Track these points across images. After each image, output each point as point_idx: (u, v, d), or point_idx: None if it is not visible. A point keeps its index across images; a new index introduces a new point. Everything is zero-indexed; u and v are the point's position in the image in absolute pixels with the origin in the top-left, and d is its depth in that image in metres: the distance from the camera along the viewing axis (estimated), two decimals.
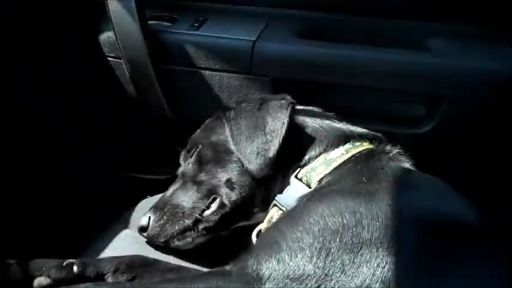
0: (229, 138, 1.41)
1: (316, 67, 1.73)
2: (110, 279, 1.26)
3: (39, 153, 1.77)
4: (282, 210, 1.29)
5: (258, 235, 1.31)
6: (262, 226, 1.32)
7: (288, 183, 1.35)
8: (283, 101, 1.41)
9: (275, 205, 1.32)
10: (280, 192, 1.35)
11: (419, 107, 1.75)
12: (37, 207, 1.77)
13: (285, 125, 1.35)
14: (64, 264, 1.25)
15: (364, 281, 1.00)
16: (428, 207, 1.14)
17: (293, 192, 1.31)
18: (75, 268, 1.25)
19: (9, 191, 1.63)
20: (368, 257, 1.02)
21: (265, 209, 1.37)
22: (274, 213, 1.31)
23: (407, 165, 1.33)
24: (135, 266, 1.29)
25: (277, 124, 1.36)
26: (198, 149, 1.48)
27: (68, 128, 1.88)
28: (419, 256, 1.03)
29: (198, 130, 1.55)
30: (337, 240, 1.04)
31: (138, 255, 1.34)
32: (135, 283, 1.24)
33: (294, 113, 1.40)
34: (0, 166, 1.61)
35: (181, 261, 1.38)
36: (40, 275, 1.22)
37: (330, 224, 1.07)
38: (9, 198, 1.63)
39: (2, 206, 1.59)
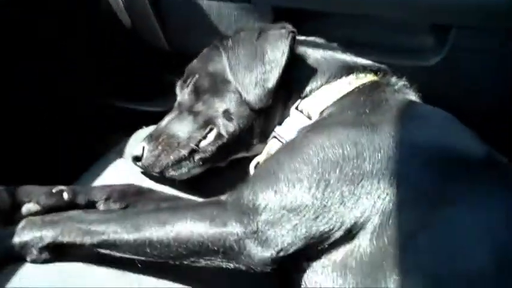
0: (227, 68, 1.36)
1: None
2: (101, 207, 1.23)
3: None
4: (281, 142, 1.27)
5: (256, 167, 1.29)
6: (260, 158, 1.30)
7: (288, 115, 1.32)
8: (283, 30, 1.35)
9: (274, 137, 1.30)
10: (280, 124, 1.32)
11: (427, 38, 1.68)
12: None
13: (285, 55, 1.30)
14: (54, 191, 1.21)
15: (364, 212, 0.99)
16: (433, 138, 1.11)
17: (293, 123, 1.28)
18: (65, 195, 1.21)
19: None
20: (369, 188, 1.00)
21: (264, 140, 1.35)
22: (273, 145, 1.29)
23: (413, 97, 1.30)
24: (128, 194, 1.27)
25: (276, 54, 1.31)
26: (194, 79, 1.43)
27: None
28: (423, 187, 1.01)
29: (195, 60, 1.49)
30: (337, 171, 1.02)
31: (132, 184, 1.31)
32: (127, 210, 1.21)
33: (294, 43, 1.35)
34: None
35: (176, 192, 1.35)
36: (29, 201, 1.18)
37: (330, 155, 1.04)
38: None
39: None
